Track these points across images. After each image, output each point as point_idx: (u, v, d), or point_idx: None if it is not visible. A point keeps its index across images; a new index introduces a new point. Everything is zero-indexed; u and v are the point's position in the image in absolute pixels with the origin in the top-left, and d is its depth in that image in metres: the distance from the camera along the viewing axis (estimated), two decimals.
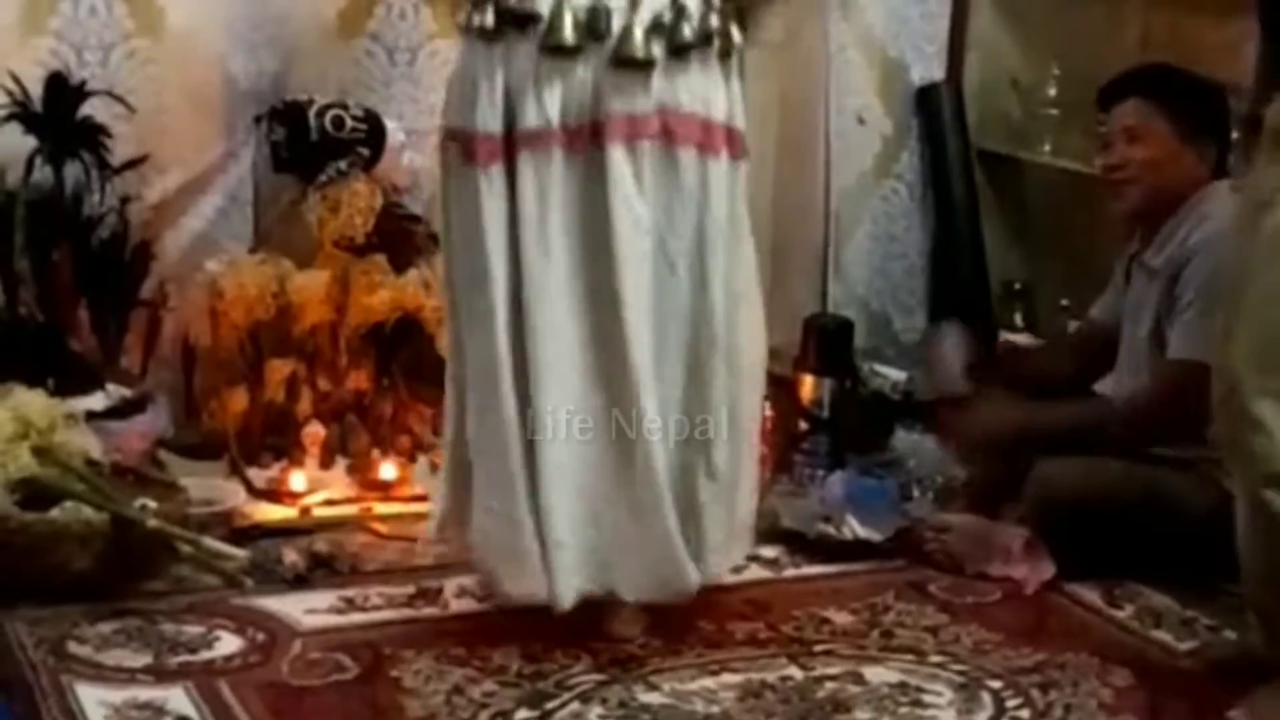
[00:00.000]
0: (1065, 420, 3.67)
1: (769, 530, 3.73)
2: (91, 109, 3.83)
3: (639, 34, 2.96)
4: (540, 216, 2.98)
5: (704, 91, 3.05)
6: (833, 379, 4.08)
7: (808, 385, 4.08)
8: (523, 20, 2.97)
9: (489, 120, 3.00)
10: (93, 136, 3.81)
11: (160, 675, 2.98)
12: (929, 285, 4.79)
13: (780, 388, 4.15)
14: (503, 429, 3.02)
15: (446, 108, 3.13)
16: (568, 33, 2.95)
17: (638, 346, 2.99)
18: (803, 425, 4.07)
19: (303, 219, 3.92)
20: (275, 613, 3.24)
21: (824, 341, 4.13)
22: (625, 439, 3.02)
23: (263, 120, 3.99)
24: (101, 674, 2.98)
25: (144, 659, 3.03)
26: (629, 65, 2.96)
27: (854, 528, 3.63)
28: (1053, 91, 4.57)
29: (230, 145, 4.04)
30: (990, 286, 4.74)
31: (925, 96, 4.74)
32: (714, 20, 3.05)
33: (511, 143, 3.00)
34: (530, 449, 3.02)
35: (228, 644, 3.11)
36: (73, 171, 3.81)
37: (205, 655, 3.07)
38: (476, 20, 3.01)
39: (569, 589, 3.04)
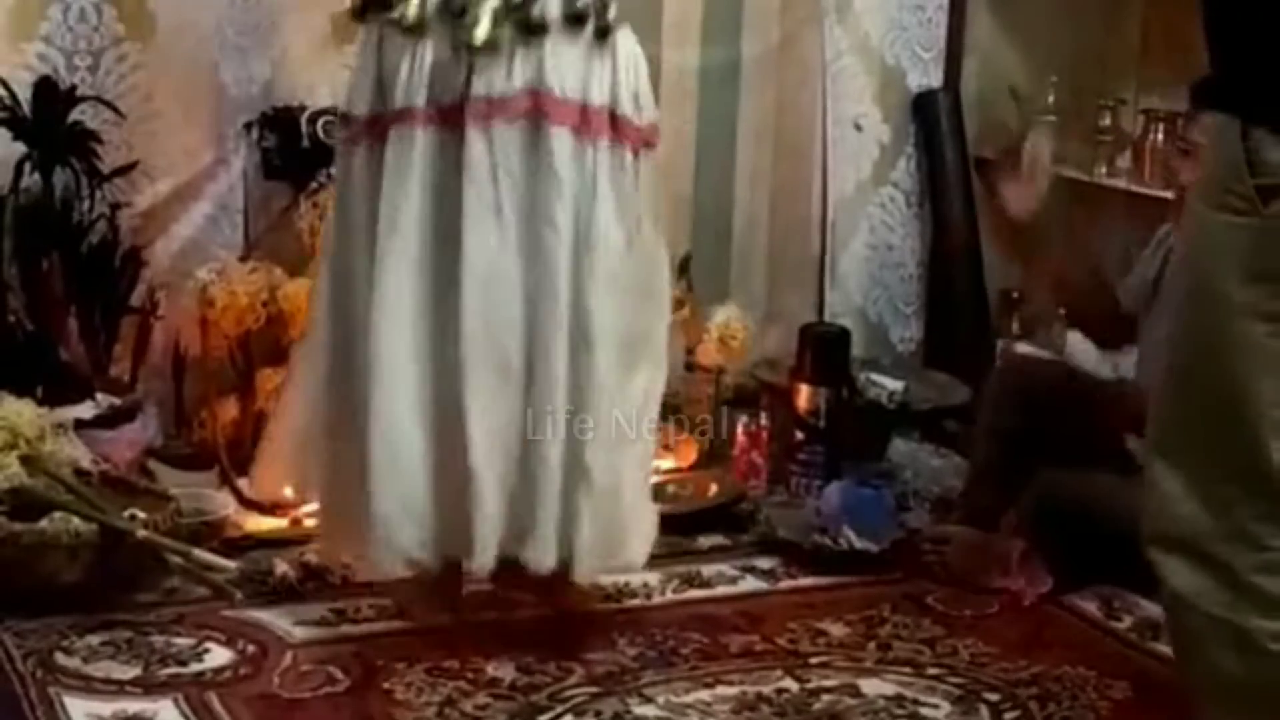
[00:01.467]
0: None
1: (764, 541, 3.72)
2: (81, 115, 3.81)
3: (484, 17, 2.97)
4: (394, 193, 3.01)
5: (580, 74, 3.02)
6: (829, 388, 4.06)
7: (804, 395, 4.07)
8: (383, 4, 3.02)
9: (358, 103, 3.08)
10: (82, 143, 3.79)
11: (149, 687, 2.97)
12: (926, 294, 4.78)
13: (776, 397, 4.14)
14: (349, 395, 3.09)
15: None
16: (411, 11, 2.99)
17: (470, 338, 2.99)
18: (799, 435, 4.06)
19: (294, 226, 3.91)
20: (266, 624, 3.23)
21: (820, 351, 4.11)
22: (449, 429, 3.02)
23: (253, 127, 3.97)
24: (90, 686, 2.96)
25: (133, 671, 3.02)
26: (471, 49, 2.97)
27: (850, 538, 3.62)
28: (1051, 99, 4.55)
29: (221, 152, 4.02)
30: (988, 295, 4.72)
31: (923, 104, 4.72)
32: (581, 2, 3.01)
33: (383, 123, 3.04)
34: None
35: (218, 656, 3.10)
36: (62, 178, 3.79)
37: (195, 667, 3.06)
38: (349, 3, 3.10)
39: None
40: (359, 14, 3.10)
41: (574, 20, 3.01)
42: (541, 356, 3.02)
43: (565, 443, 3.02)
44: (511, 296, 3.01)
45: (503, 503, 3.03)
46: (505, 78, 2.98)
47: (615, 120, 3.05)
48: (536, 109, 2.99)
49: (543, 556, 3.03)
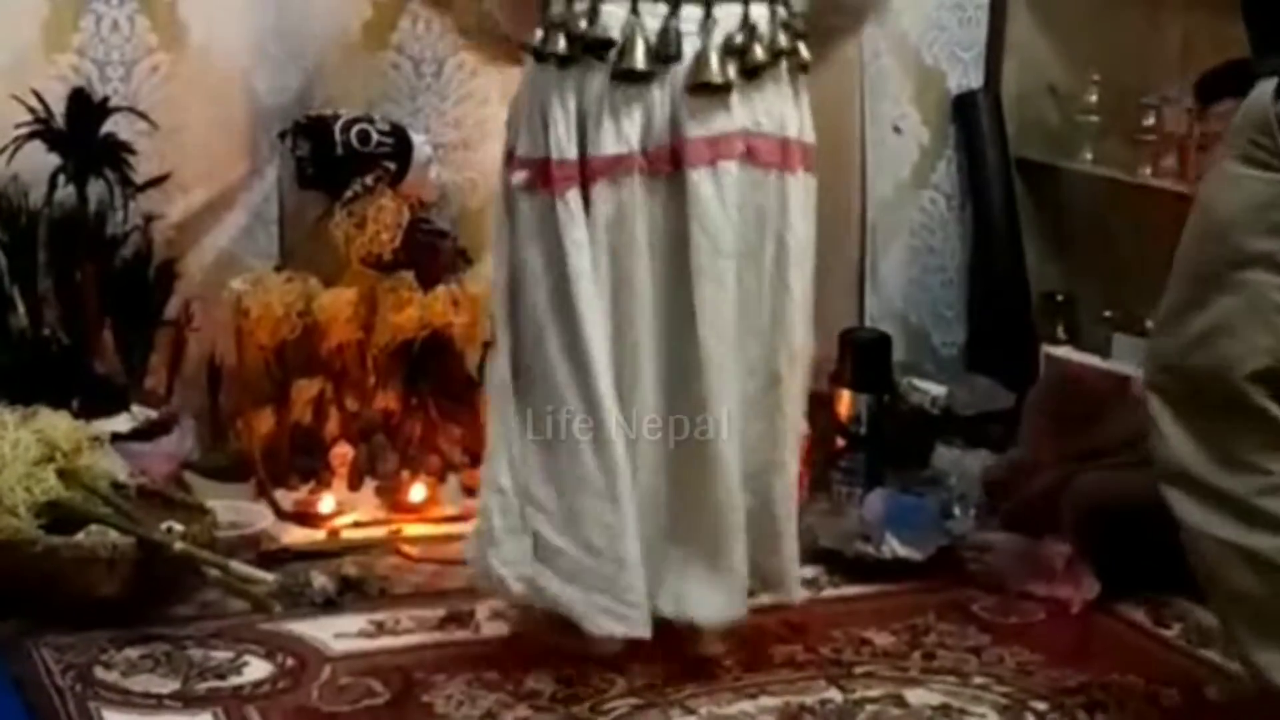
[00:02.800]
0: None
1: (807, 550, 3.68)
2: (114, 126, 3.82)
3: (714, 58, 2.95)
4: (617, 241, 2.98)
5: (779, 110, 3.04)
6: (870, 394, 4.05)
7: (845, 401, 4.05)
8: (595, 47, 2.95)
9: (565, 147, 2.97)
10: (116, 154, 3.80)
11: (188, 701, 2.97)
12: (968, 297, 4.75)
13: (817, 404, 4.10)
14: (605, 461, 2.99)
15: (513, 134, 3.08)
16: (639, 58, 2.94)
17: (714, 370, 3.00)
18: (840, 442, 4.04)
19: (329, 236, 3.90)
20: (304, 637, 3.23)
21: (861, 356, 4.09)
22: (700, 461, 3.03)
23: (287, 136, 3.96)
24: (129, 700, 2.96)
25: (172, 685, 3.02)
26: (706, 90, 2.95)
27: (894, 546, 3.59)
28: (1093, 98, 4.51)
29: (254, 161, 4.03)
30: (1031, 298, 4.69)
31: (963, 105, 4.70)
32: (783, 39, 3.02)
33: (585, 168, 2.98)
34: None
35: (256, 669, 3.09)
36: (96, 190, 3.80)
37: (234, 681, 3.05)
38: (549, 46, 2.98)
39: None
40: (563, 60, 2.97)
41: (776, 59, 3.01)
42: (776, 402, 3.09)
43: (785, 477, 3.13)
44: (752, 337, 3.06)
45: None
46: (725, 117, 2.97)
47: (804, 150, 3.09)
48: (751, 149, 2.99)
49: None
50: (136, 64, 3.89)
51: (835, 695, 3.06)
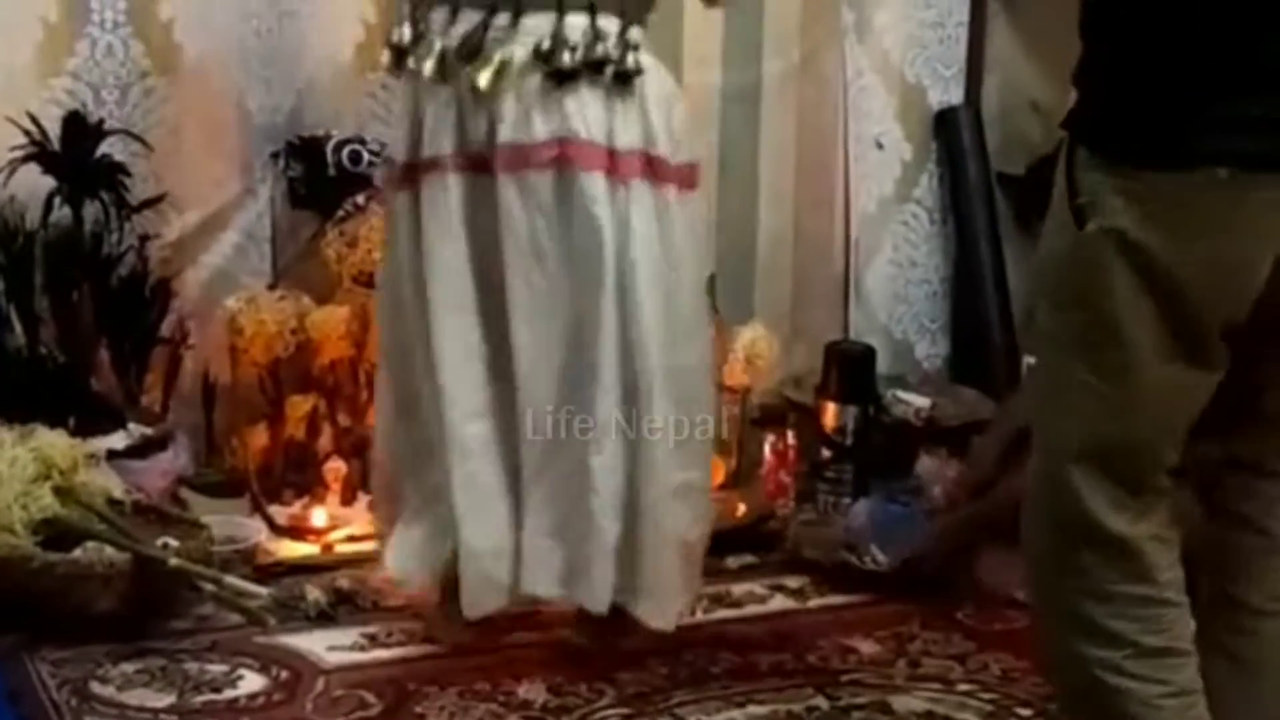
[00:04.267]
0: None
1: (792, 560, 3.72)
2: (109, 148, 3.83)
3: (489, 65, 2.97)
4: (435, 241, 3.06)
5: (604, 119, 3.02)
6: (855, 406, 4.06)
7: (830, 413, 4.06)
8: (399, 54, 3.07)
9: (397, 148, 3.15)
10: (111, 175, 3.81)
11: (184, 714, 2.98)
12: (951, 310, 4.77)
13: (803, 416, 4.14)
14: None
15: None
16: (429, 67, 3.02)
17: (525, 368, 3.04)
18: (825, 453, 4.06)
19: (321, 254, 3.92)
20: (299, 650, 3.24)
21: (846, 369, 4.11)
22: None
23: (280, 156, 3.99)
24: (125, 714, 2.98)
25: (168, 699, 3.03)
26: (476, 94, 2.99)
27: (876, 555, 3.62)
28: None
29: (248, 182, 4.04)
30: (1013, 310, 4.71)
31: (944, 120, 4.71)
32: (600, 49, 3.00)
33: (418, 170, 3.09)
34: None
35: (251, 682, 3.11)
36: (91, 211, 3.80)
37: (229, 694, 3.06)
38: (383, 59, 3.14)
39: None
40: (394, 66, 3.11)
41: (595, 67, 3.01)
42: (590, 398, 3.05)
43: (623, 488, 3.06)
44: (559, 340, 3.05)
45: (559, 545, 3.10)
46: (530, 125, 3.00)
47: (651, 161, 3.05)
48: (564, 156, 3.00)
49: (597, 597, 3.09)
50: (131, 87, 3.90)
51: (822, 703, 3.08)
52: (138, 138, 3.89)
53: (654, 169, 3.06)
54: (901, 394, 4.29)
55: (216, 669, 3.15)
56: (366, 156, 3.91)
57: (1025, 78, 4.72)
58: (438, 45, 3.02)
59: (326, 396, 3.93)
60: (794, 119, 4.52)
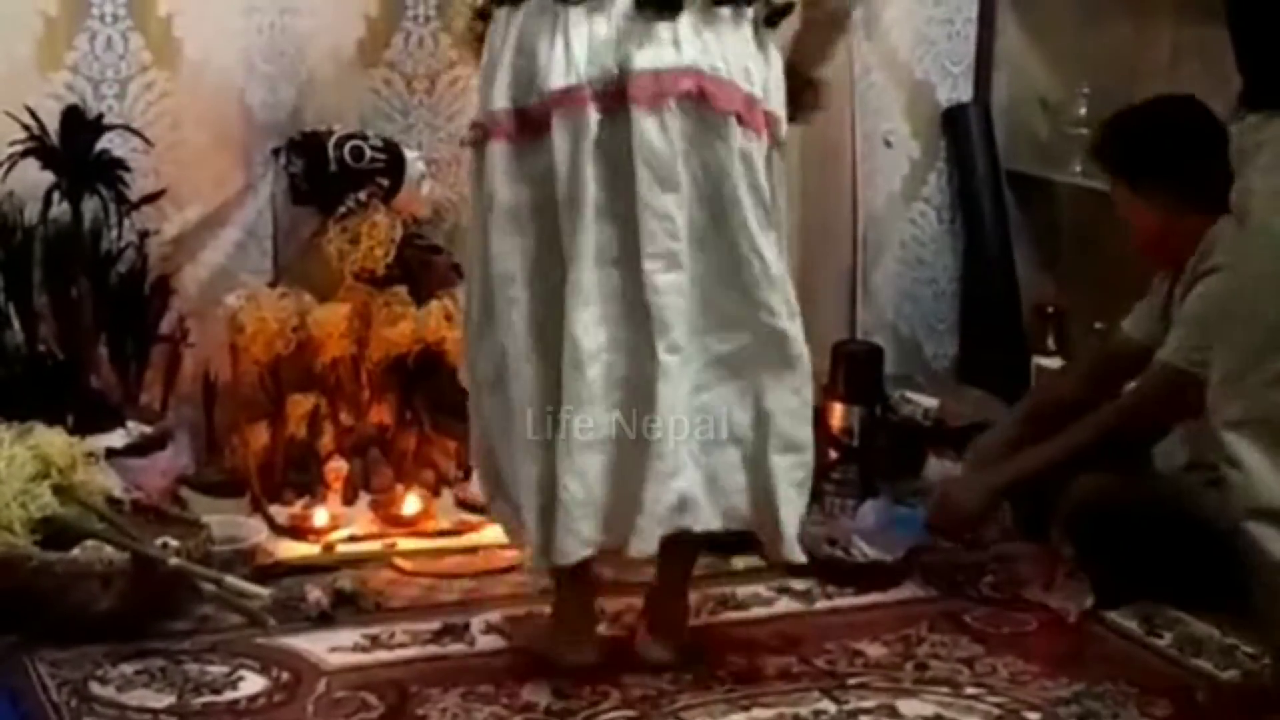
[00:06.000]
0: (1046, 459, 3.59)
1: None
2: (109, 143, 3.82)
3: None
4: (571, 178, 2.89)
5: (742, 61, 2.93)
6: (862, 407, 4.04)
7: (837, 413, 4.04)
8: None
9: (499, 97, 2.94)
10: (110, 171, 3.80)
11: (184, 716, 2.97)
12: (959, 310, 4.76)
13: None
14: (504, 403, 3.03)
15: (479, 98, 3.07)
16: None
17: (666, 311, 2.91)
18: (833, 454, 4.03)
19: (322, 252, 3.91)
20: (300, 651, 3.23)
21: (853, 368, 4.09)
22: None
23: (281, 152, 3.97)
24: (124, 715, 2.97)
25: (167, 699, 3.02)
26: (651, 7, 2.85)
27: (862, 549, 3.62)
28: (1082, 111, 4.52)
29: (248, 178, 4.03)
30: (1021, 310, 4.70)
31: (953, 118, 4.71)
32: None
33: (532, 113, 2.92)
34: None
35: (252, 684, 3.10)
36: (90, 207, 3.80)
37: (229, 695, 3.05)
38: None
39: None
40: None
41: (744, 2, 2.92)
42: (727, 338, 3.00)
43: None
44: (693, 281, 2.95)
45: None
46: (673, 51, 2.87)
47: (769, 118, 2.98)
48: (701, 91, 2.88)
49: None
50: (131, 81, 3.89)
51: (829, 706, 3.06)
52: (137, 133, 3.88)
53: (771, 126, 2.99)
54: (909, 394, 4.28)
55: (217, 670, 3.14)
56: (368, 153, 3.90)
57: (1034, 74, 4.72)
58: None
59: (328, 395, 3.92)
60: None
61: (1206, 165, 3.54)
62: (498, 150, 2.96)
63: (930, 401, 4.27)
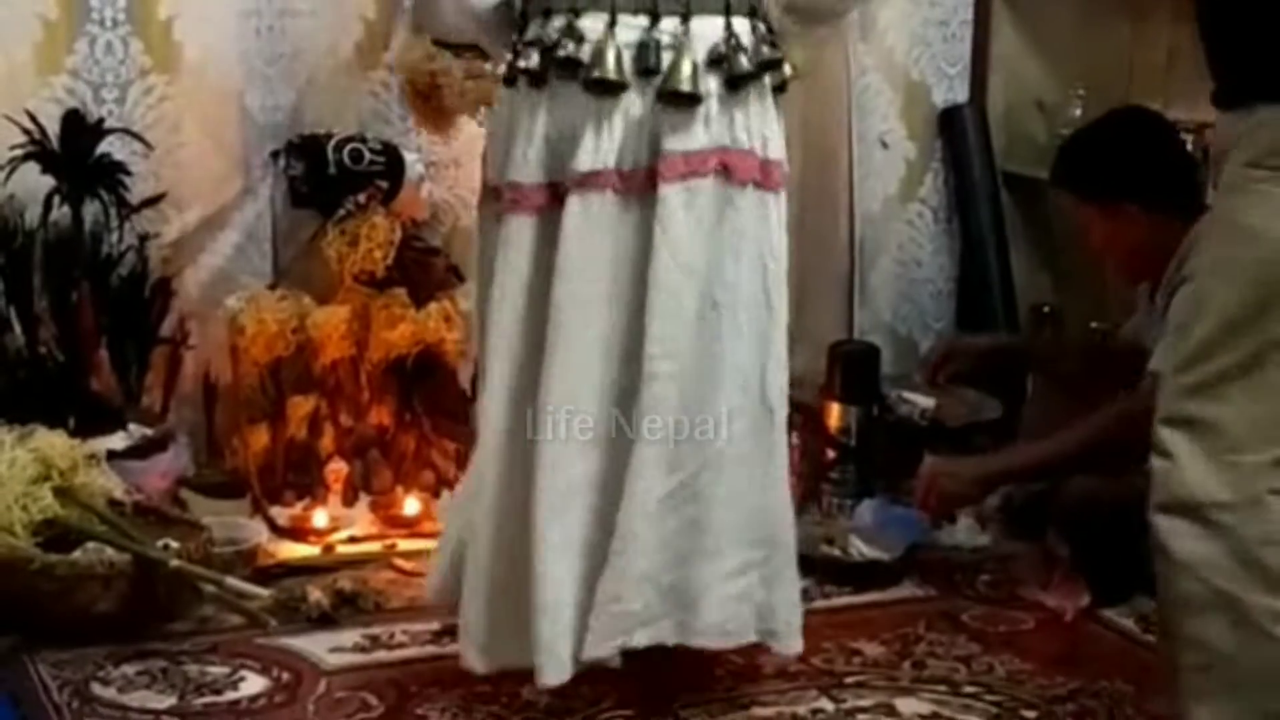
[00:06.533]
0: (1038, 457, 3.60)
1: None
2: (109, 147, 3.82)
3: (686, 66, 2.83)
4: (580, 259, 2.85)
5: (760, 127, 2.93)
6: (860, 407, 4.05)
7: (834, 413, 4.05)
8: (568, 64, 2.85)
9: (520, 171, 2.90)
10: (111, 175, 3.81)
11: (185, 716, 2.97)
12: (956, 310, 4.76)
13: (807, 416, 4.12)
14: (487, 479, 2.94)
15: (486, 162, 3.03)
16: (610, 67, 2.83)
17: (661, 399, 2.85)
18: (830, 454, 4.04)
19: (322, 254, 3.91)
20: (300, 652, 3.23)
21: (850, 369, 4.10)
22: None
23: (280, 155, 3.98)
24: (126, 716, 2.97)
25: (169, 700, 3.02)
26: (677, 100, 2.84)
27: (860, 548, 3.63)
28: (1078, 112, 4.53)
29: (248, 181, 4.03)
30: (1018, 310, 4.71)
31: (949, 119, 4.72)
32: (766, 51, 2.92)
33: (554, 191, 2.89)
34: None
35: (253, 684, 3.10)
36: (91, 210, 3.80)
37: (230, 696, 3.06)
38: (521, 63, 2.90)
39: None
40: (535, 78, 2.88)
41: (761, 72, 2.91)
42: (761, 435, 2.97)
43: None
44: (725, 367, 2.91)
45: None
46: (702, 132, 2.86)
47: (781, 170, 2.98)
48: (725, 164, 2.88)
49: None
50: (131, 85, 3.90)
51: (827, 705, 3.06)
52: (137, 136, 3.88)
53: (783, 179, 2.98)
54: (906, 394, 4.28)
55: (218, 671, 3.14)
56: (367, 155, 3.90)
57: (1030, 76, 4.73)
58: (610, 50, 2.82)
59: (328, 397, 3.92)
60: (798, 118, 4.48)
61: (1173, 173, 3.57)
62: (522, 224, 2.90)
63: (927, 401, 4.27)
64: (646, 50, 2.84)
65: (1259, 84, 2.33)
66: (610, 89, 2.84)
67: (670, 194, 2.84)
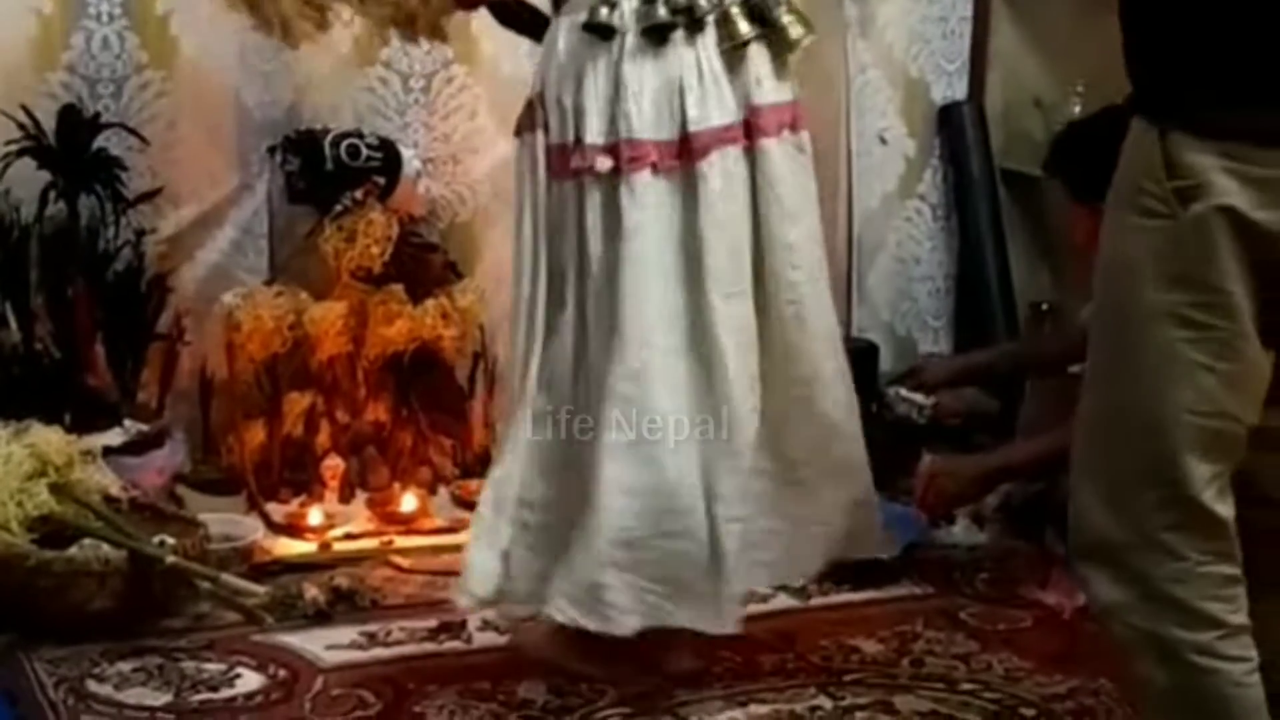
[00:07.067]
0: (1037, 453, 3.60)
1: None
2: (105, 142, 3.82)
3: (739, 19, 2.92)
4: (638, 228, 2.91)
5: (774, 75, 3.00)
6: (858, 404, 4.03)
7: None
8: (687, 12, 2.91)
9: (635, 127, 2.92)
10: (107, 170, 3.80)
11: (181, 714, 2.97)
12: (954, 307, 4.76)
13: None
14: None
15: (556, 116, 2.99)
16: (742, 27, 2.92)
17: (730, 354, 2.94)
18: None
19: (319, 250, 3.91)
20: (296, 649, 3.23)
21: (848, 366, 4.08)
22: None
23: (277, 150, 3.97)
24: (122, 713, 2.96)
25: (164, 697, 3.02)
26: (732, 46, 2.92)
27: None
28: (1077, 109, 4.53)
29: (245, 176, 4.03)
30: (1017, 307, 4.71)
31: (947, 116, 4.72)
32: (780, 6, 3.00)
33: (678, 147, 2.93)
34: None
35: (249, 681, 3.10)
36: (87, 205, 3.80)
37: (226, 693, 3.05)
38: (652, 19, 2.91)
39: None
40: (605, 29, 2.92)
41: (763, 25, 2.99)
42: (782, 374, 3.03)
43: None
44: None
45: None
46: (774, 88, 2.97)
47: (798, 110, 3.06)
48: (794, 117, 3.01)
49: None
50: (127, 80, 3.89)
51: (825, 703, 3.06)
52: (134, 132, 3.88)
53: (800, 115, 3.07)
54: (904, 392, 4.26)
55: (214, 668, 3.13)
56: (364, 151, 3.90)
57: (1028, 73, 4.73)
58: (738, 7, 2.93)
59: (324, 393, 3.92)
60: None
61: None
62: (644, 182, 2.92)
63: (925, 399, 4.26)
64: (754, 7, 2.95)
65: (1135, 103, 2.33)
66: (661, 33, 2.89)
67: (774, 147, 2.96)
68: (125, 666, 3.12)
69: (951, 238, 4.75)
